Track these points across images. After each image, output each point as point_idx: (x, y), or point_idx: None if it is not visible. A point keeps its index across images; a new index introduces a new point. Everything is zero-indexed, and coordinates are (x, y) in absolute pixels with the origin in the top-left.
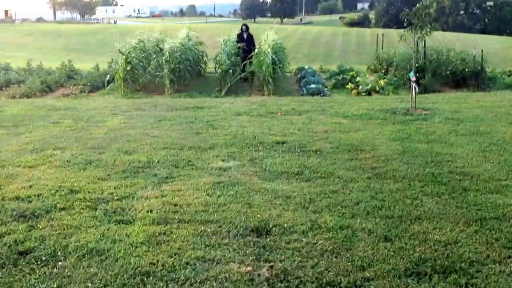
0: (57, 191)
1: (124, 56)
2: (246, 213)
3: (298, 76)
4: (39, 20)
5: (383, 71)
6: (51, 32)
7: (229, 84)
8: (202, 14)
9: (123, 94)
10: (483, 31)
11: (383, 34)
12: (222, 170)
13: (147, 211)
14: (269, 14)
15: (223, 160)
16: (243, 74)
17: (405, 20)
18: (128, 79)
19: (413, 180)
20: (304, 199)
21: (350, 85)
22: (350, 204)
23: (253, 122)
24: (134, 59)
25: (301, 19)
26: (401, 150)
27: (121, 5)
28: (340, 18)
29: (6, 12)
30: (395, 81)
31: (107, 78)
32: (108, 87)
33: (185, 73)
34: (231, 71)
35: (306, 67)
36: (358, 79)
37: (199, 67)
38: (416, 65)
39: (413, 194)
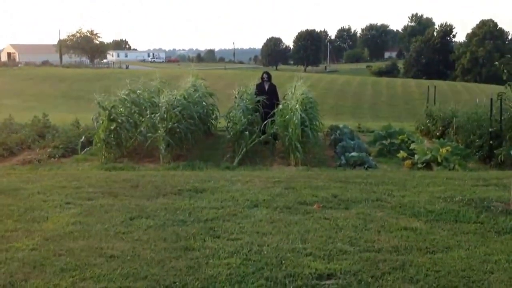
0: None
1: (106, 112)
2: None
3: (332, 137)
4: (45, 63)
5: (438, 133)
6: (53, 77)
7: (244, 150)
8: (221, 59)
9: (103, 161)
10: None
11: (435, 87)
12: None
13: None
14: (292, 62)
15: None
16: (262, 136)
17: (505, 71)
18: (111, 141)
19: None
20: None
21: (402, 154)
22: None
23: (276, 224)
24: (121, 115)
25: (325, 67)
26: None
27: (134, 49)
28: (367, 66)
29: (9, 54)
30: (462, 149)
31: (81, 140)
32: (83, 152)
33: (187, 134)
34: (247, 132)
35: (341, 125)
36: (413, 145)
37: (208, 124)
38: (490, 129)
39: None
